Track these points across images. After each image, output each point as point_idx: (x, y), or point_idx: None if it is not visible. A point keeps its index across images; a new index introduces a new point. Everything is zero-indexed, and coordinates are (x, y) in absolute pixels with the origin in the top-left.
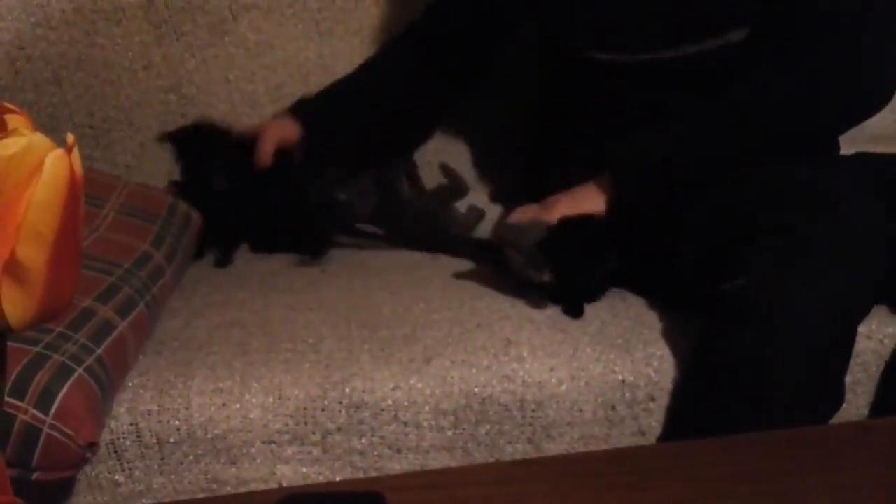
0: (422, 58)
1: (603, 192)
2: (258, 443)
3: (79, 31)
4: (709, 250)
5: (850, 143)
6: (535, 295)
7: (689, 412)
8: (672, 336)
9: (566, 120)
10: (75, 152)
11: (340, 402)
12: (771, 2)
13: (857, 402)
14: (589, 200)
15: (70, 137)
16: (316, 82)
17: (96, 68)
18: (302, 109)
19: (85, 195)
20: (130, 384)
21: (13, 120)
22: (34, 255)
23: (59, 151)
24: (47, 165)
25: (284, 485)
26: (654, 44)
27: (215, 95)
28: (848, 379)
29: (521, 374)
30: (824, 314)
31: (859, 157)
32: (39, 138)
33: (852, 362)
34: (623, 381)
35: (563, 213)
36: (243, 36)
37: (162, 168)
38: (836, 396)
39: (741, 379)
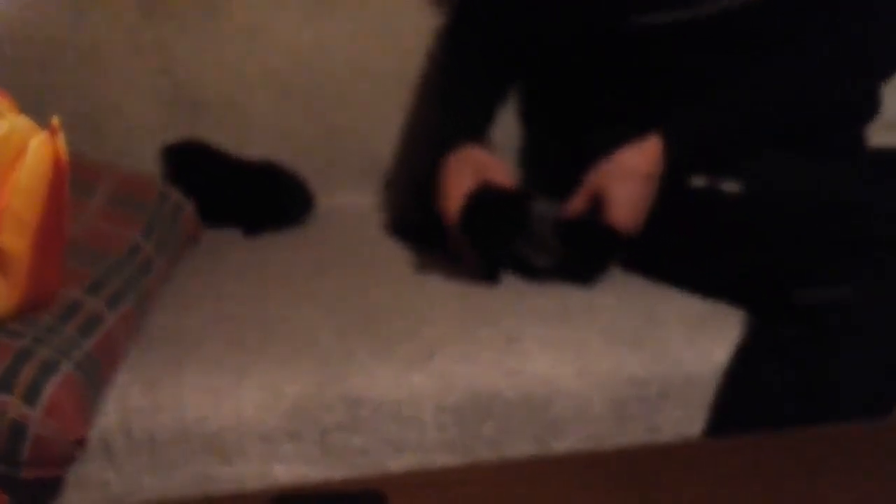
0: (480, 54)
1: (653, 152)
2: (253, 440)
3: (65, 13)
4: (785, 252)
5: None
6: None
7: (732, 409)
8: (685, 331)
9: (604, 93)
10: (60, 136)
11: (339, 399)
12: None
13: None
14: (644, 156)
15: (55, 120)
16: (312, 66)
17: (83, 51)
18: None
19: (73, 182)
20: (120, 379)
21: None
22: (17, 241)
23: (44, 135)
24: (31, 149)
25: (281, 484)
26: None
27: (207, 79)
28: None
29: (526, 369)
30: None
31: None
32: (23, 121)
33: None
34: (633, 377)
35: (619, 193)
36: (237, 18)
37: (151, 153)
38: (889, 408)
39: (799, 386)
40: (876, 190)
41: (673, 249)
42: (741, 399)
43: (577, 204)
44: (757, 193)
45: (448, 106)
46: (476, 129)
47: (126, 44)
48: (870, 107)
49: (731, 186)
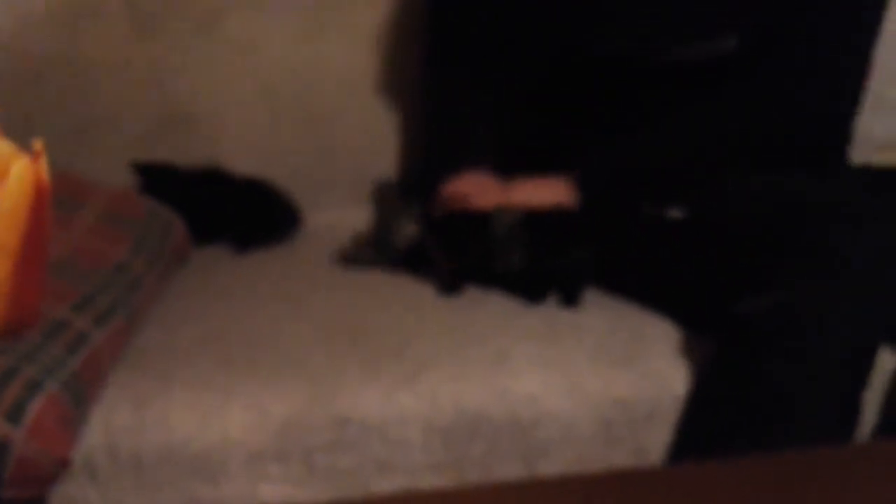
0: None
1: (568, 187)
2: (240, 461)
3: (60, 29)
4: (724, 266)
5: (856, 153)
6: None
7: (697, 432)
8: (673, 351)
9: (550, 119)
10: (43, 160)
11: (326, 419)
12: (760, 14)
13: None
14: (551, 189)
15: (37, 144)
16: (306, 83)
17: (77, 66)
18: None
19: (62, 199)
20: (107, 398)
21: None
22: None
23: (26, 160)
24: (13, 174)
25: None
26: (649, 43)
27: (200, 95)
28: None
29: (514, 389)
30: (851, 341)
31: (867, 169)
32: (4, 146)
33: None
34: (621, 398)
35: (525, 197)
36: (231, 34)
37: None
38: (853, 420)
39: (754, 400)
40: (812, 198)
41: (629, 270)
42: (703, 421)
43: (487, 194)
44: (698, 218)
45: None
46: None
47: (119, 59)
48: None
49: (675, 213)
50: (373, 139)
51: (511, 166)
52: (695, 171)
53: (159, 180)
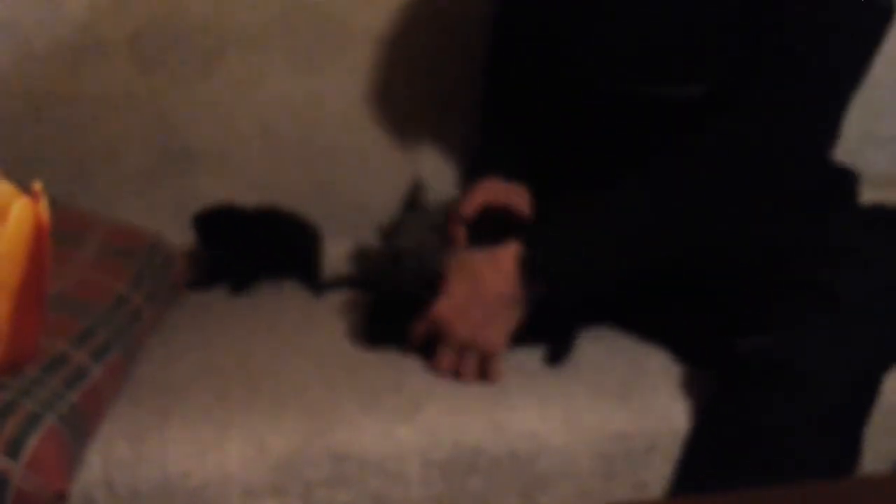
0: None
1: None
2: (237, 495)
3: (61, 64)
4: (724, 304)
5: (866, 189)
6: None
7: (698, 466)
8: (671, 386)
9: (550, 153)
10: (43, 200)
11: (324, 454)
12: (733, 63)
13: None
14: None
15: (37, 185)
16: (306, 120)
17: (79, 103)
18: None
19: (62, 233)
20: (105, 432)
21: None
22: None
23: (25, 200)
24: (13, 214)
25: None
26: (620, 76)
27: (201, 131)
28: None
29: (513, 423)
30: (850, 376)
31: (879, 208)
32: (4, 186)
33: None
34: (620, 432)
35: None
36: (231, 71)
37: (145, 203)
38: (854, 455)
39: (755, 436)
40: (812, 240)
41: (628, 305)
42: (702, 457)
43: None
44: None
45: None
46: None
47: (121, 95)
48: (846, 185)
49: None
50: (371, 175)
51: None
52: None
53: (219, 226)
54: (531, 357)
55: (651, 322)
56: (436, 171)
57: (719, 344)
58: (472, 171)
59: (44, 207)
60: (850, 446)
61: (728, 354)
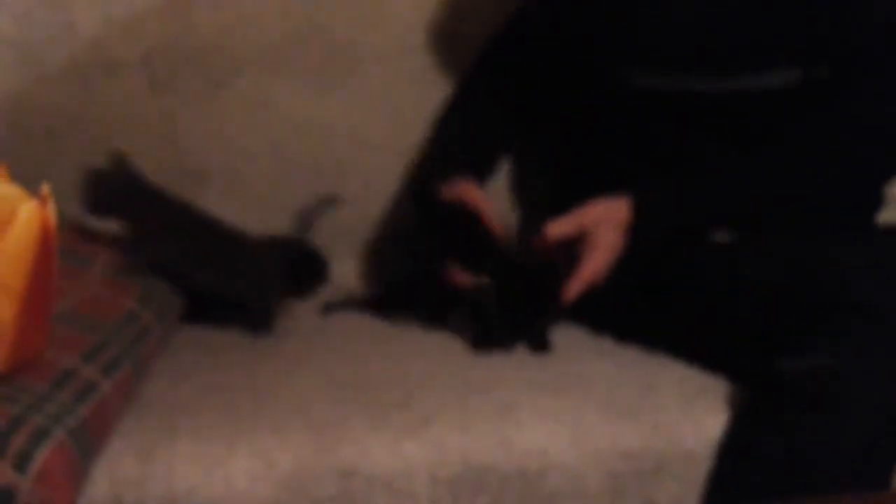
0: (492, 98)
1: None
2: None
3: (74, 84)
4: (766, 321)
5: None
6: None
7: (729, 485)
8: (682, 404)
9: (595, 151)
10: (50, 205)
11: (331, 470)
12: (820, 43)
13: None
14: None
15: (44, 189)
16: (315, 140)
17: (91, 122)
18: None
19: (73, 251)
20: (112, 448)
21: None
22: (3, 307)
23: (33, 203)
24: (20, 217)
25: None
26: (693, 69)
27: (211, 150)
28: None
29: (521, 440)
30: (892, 403)
31: None
32: (12, 189)
33: None
34: (629, 450)
35: (606, 239)
36: (242, 91)
37: None
38: (885, 483)
39: (796, 456)
40: (857, 258)
41: (660, 314)
42: (736, 473)
43: (558, 230)
44: (746, 241)
45: (455, 143)
46: (478, 169)
47: (133, 115)
48: (871, 204)
49: (721, 236)
50: (381, 194)
51: (561, 198)
52: (751, 218)
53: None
54: (541, 372)
55: (686, 336)
56: None
57: (759, 361)
58: (459, 94)
59: (51, 211)
60: (889, 466)
61: (769, 372)
